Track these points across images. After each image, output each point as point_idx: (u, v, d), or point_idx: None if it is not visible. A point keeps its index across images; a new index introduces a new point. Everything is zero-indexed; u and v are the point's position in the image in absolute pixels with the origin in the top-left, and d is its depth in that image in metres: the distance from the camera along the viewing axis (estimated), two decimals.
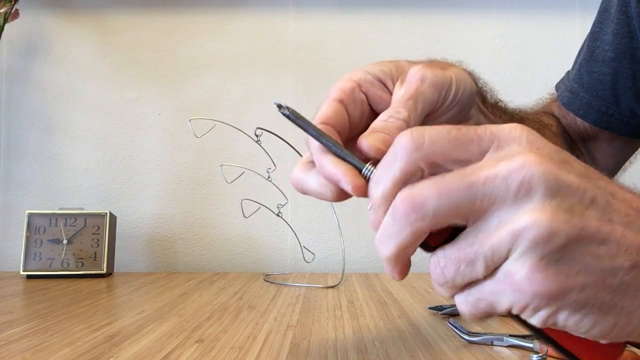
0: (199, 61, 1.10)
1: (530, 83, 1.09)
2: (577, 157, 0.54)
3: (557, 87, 0.67)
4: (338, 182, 0.31)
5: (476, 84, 0.42)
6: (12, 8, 0.97)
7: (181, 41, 1.10)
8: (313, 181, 0.33)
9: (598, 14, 0.62)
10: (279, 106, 0.33)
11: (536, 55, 1.10)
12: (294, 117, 0.32)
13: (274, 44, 1.10)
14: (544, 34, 1.10)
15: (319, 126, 0.34)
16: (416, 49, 1.10)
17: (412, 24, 1.10)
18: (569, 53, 1.10)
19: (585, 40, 0.64)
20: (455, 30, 1.10)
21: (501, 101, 0.50)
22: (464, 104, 0.38)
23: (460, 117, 0.40)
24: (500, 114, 0.48)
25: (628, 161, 0.65)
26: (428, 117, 0.37)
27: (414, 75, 0.35)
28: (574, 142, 0.64)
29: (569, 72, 0.66)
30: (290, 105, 0.33)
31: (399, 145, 0.27)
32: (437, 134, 0.26)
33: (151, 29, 1.10)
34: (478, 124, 0.39)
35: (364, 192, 0.30)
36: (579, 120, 0.63)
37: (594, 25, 0.62)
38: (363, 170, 0.30)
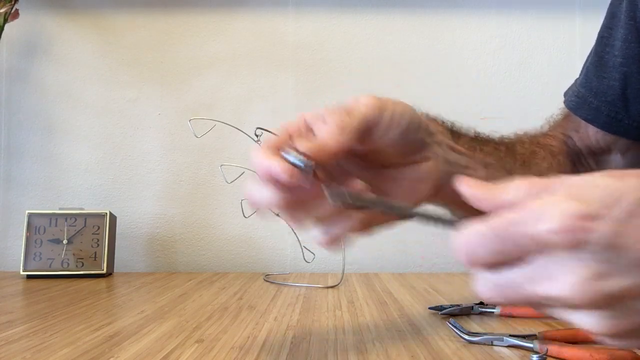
0: (199, 61, 1.10)
1: (530, 83, 1.09)
2: (584, 171, 0.57)
3: (565, 93, 0.66)
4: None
5: (442, 123, 0.48)
6: (12, 8, 0.97)
7: (181, 41, 1.10)
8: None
9: (605, 19, 0.62)
10: (337, 200, 0.34)
11: (536, 55, 1.10)
12: (358, 203, 0.34)
13: (274, 44, 1.10)
14: (544, 34, 1.10)
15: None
16: (416, 49, 1.10)
17: (412, 24, 1.10)
18: (569, 53, 1.10)
19: (593, 47, 0.64)
20: (455, 30, 1.10)
21: (481, 134, 0.53)
22: (405, 131, 0.42)
23: (408, 145, 0.43)
24: (481, 146, 0.51)
25: None
26: (369, 135, 0.41)
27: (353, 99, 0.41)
28: (580, 159, 0.63)
29: (577, 79, 0.66)
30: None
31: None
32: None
33: (151, 29, 1.10)
34: (448, 161, 0.45)
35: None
36: (591, 131, 0.62)
37: (601, 30, 0.62)
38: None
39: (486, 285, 0.28)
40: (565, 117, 0.65)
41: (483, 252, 0.27)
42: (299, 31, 1.10)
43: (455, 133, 0.50)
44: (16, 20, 0.99)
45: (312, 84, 1.09)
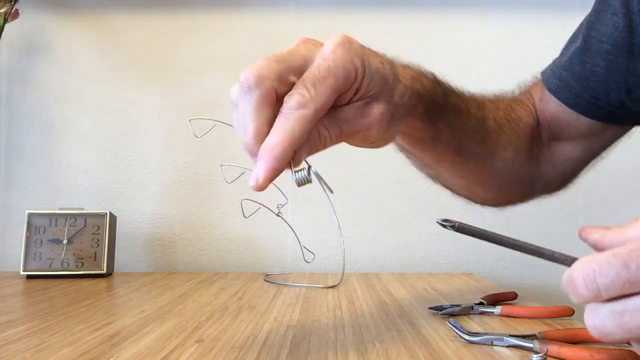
0: (199, 61, 1.10)
1: None
2: (538, 150, 0.54)
3: (543, 72, 0.66)
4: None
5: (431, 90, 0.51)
6: (12, 8, 0.97)
7: (181, 41, 1.10)
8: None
9: (595, 3, 0.60)
10: (444, 225, 0.34)
11: (536, 55, 1.09)
12: (465, 230, 0.34)
13: (274, 43, 1.10)
14: (544, 34, 1.09)
15: None
16: (416, 49, 1.10)
17: (412, 24, 1.10)
18: None
19: (578, 28, 0.63)
20: (455, 30, 1.10)
21: (464, 103, 0.56)
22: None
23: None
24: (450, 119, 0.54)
25: (599, 156, 0.65)
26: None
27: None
28: (540, 137, 0.64)
29: (556, 59, 0.66)
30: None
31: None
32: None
33: (151, 29, 1.10)
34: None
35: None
36: (552, 104, 0.62)
37: (590, 14, 0.61)
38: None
39: (602, 318, 0.27)
40: (535, 85, 0.66)
41: (609, 281, 0.26)
42: (300, 31, 1.10)
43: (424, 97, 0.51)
44: (16, 20, 0.99)
45: None
